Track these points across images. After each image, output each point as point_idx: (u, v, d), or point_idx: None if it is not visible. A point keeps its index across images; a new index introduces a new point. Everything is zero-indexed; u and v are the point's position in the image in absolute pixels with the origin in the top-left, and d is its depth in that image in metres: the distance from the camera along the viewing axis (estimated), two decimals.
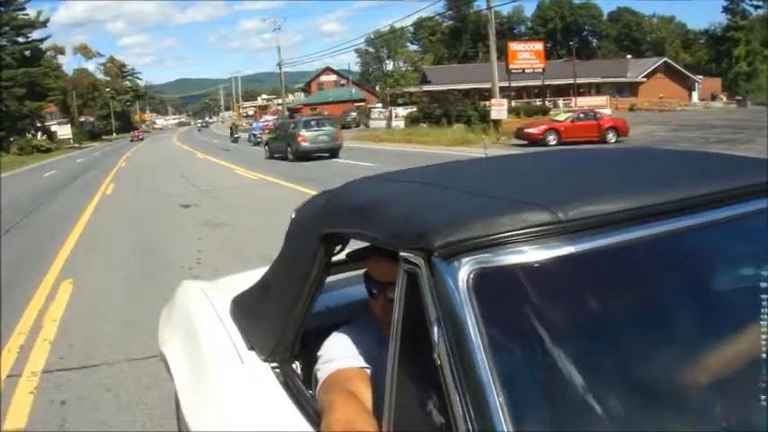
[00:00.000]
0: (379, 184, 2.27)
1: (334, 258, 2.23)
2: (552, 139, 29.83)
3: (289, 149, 29.39)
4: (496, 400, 1.30)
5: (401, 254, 1.63)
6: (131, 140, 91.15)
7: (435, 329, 1.44)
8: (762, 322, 1.52)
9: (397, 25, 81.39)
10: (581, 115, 32.88)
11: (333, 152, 29.01)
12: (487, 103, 38.76)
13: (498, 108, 35.70)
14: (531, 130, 30.43)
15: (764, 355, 1.50)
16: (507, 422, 1.28)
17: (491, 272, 1.45)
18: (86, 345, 5.99)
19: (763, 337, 1.51)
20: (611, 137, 29.91)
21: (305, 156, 28.08)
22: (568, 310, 1.55)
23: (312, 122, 30.84)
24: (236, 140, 56.24)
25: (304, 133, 28.92)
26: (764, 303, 1.53)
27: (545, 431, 1.38)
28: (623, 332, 1.57)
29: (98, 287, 8.33)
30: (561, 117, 33.68)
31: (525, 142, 29.84)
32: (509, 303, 1.50)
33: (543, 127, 30.89)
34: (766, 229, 1.71)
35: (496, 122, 36.01)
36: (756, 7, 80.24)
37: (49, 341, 6.17)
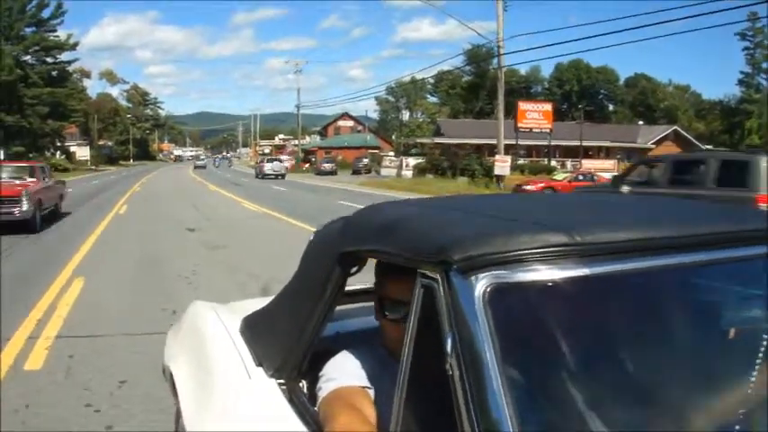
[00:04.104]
0: (399, 206, 2.31)
1: (348, 289, 2.32)
2: None
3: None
4: (506, 412, 1.34)
5: (419, 270, 1.67)
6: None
7: (449, 340, 1.47)
8: (760, 361, 1.62)
9: (418, 76, 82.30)
10: (579, 176, 34.30)
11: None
12: (492, 158, 39.87)
13: (502, 164, 36.55)
14: (528, 188, 31.43)
15: (759, 391, 1.60)
16: None
17: (507, 287, 1.49)
18: (93, 322, 7.29)
19: (759, 375, 1.60)
20: None
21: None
22: (579, 329, 1.62)
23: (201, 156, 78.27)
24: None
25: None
26: (764, 344, 1.62)
27: None
28: (630, 353, 1.66)
29: (106, 285, 9.65)
30: (559, 177, 35.02)
31: None
32: (522, 318, 1.58)
33: (541, 185, 32.02)
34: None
35: (499, 177, 36.72)
36: None
37: (62, 317, 7.49)
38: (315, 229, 2.65)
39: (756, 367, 1.61)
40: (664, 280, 1.72)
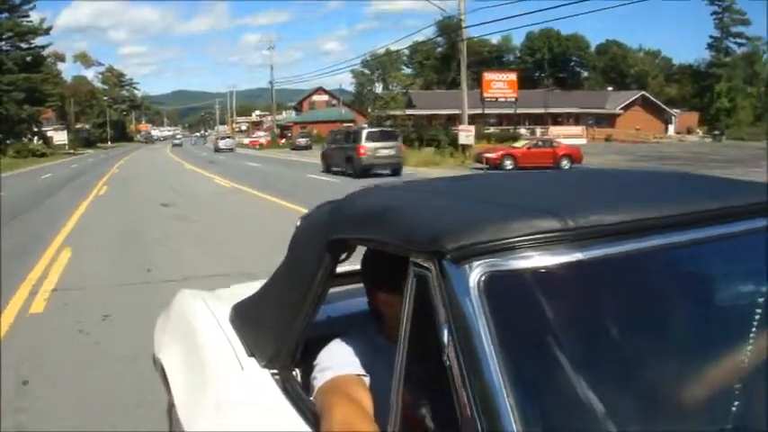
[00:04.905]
0: (389, 192, 2.32)
1: (337, 271, 2.27)
2: (509, 164, 31.92)
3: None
4: (506, 401, 1.33)
5: (411, 259, 1.65)
6: None
7: (445, 332, 1.46)
8: (757, 336, 1.59)
9: (393, 48, 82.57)
10: (539, 143, 35.62)
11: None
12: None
13: (466, 134, 37.67)
14: (489, 155, 32.44)
15: (755, 366, 1.58)
16: (516, 423, 1.31)
17: (501, 276, 1.47)
18: (82, 279, 8.98)
19: (755, 349, 1.58)
20: (565, 164, 32.04)
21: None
22: (575, 315, 1.62)
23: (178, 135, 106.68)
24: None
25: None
26: (758, 318, 1.61)
27: None
28: (626, 337, 1.64)
29: (91, 251, 11.35)
30: (519, 144, 36.25)
31: (486, 166, 31.45)
32: (518, 307, 1.56)
33: (501, 152, 33.19)
34: (764, 247, 1.75)
35: (465, 147, 37.50)
36: (739, 45, 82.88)
37: (55, 277, 9.14)
38: (304, 212, 2.76)
39: (753, 340, 1.59)
40: (659, 260, 1.73)
